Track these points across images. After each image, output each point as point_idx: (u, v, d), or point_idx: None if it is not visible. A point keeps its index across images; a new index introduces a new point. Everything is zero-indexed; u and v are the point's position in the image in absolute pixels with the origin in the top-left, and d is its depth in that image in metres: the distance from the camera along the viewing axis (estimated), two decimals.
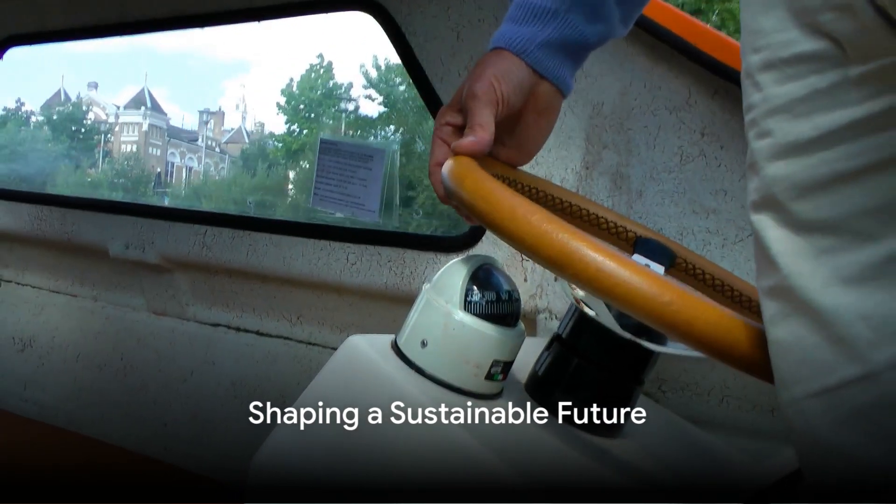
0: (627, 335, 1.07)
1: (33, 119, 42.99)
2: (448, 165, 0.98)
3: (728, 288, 1.20)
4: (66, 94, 44.94)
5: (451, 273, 1.03)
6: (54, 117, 41.84)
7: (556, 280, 1.73)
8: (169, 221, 2.47)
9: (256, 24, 2.33)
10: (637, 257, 1.15)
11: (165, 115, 47.00)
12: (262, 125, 47.55)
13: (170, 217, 2.49)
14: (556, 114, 1.11)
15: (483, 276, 1.03)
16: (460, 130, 1.06)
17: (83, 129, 42.09)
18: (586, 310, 1.09)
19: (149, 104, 46.02)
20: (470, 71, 1.05)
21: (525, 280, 1.77)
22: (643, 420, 1.23)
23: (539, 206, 0.85)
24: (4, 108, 42.62)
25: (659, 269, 1.14)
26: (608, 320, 1.07)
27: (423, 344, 1.01)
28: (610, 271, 0.77)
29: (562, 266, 0.80)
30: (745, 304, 1.19)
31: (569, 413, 1.10)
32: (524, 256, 1.76)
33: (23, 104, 43.51)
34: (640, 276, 0.77)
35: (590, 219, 1.21)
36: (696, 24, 1.57)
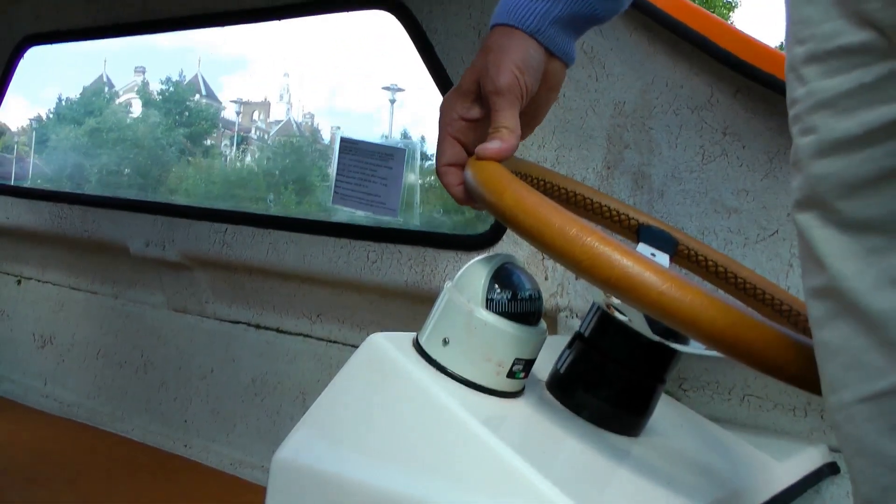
0: (656, 338, 1.07)
1: (117, 101, 37.95)
2: (477, 172, 0.96)
3: (732, 275, 1.21)
4: (108, 79, 40.27)
5: (473, 271, 1.02)
6: (155, 97, 36.55)
7: (577, 279, 1.72)
8: (189, 219, 2.48)
9: (255, 25, 2.34)
10: (642, 247, 1.15)
11: (220, 103, 42.02)
12: (312, 116, 43.21)
13: (190, 215, 2.50)
14: (561, 85, 1.06)
15: (505, 274, 1.03)
16: (474, 124, 1.02)
17: (187, 113, 36.16)
18: (619, 316, 1.08)
19: (203, 91, 40.73)
20: (481, 52, 1.00)
21: (546, 278, 1.77)
22: (665, 418, 1.23)
23: (588, 223, 0.85)
24: (83, 87, 38.12)
25: (664, 258, 1.14)
26: (640, 325, 1.07)
27: (445, 342, 1.00)
28: (674, 296, 0.78)
29: (624, 290, 0.80)
30: (749, 291, 1.20)
31: (591, 411, 1.10)
32: (545, 255, 1.77)
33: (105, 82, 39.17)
34: (703, 299, 0.78)
35: (593, 208, 1.21)
36: (718, 21, 1.57)
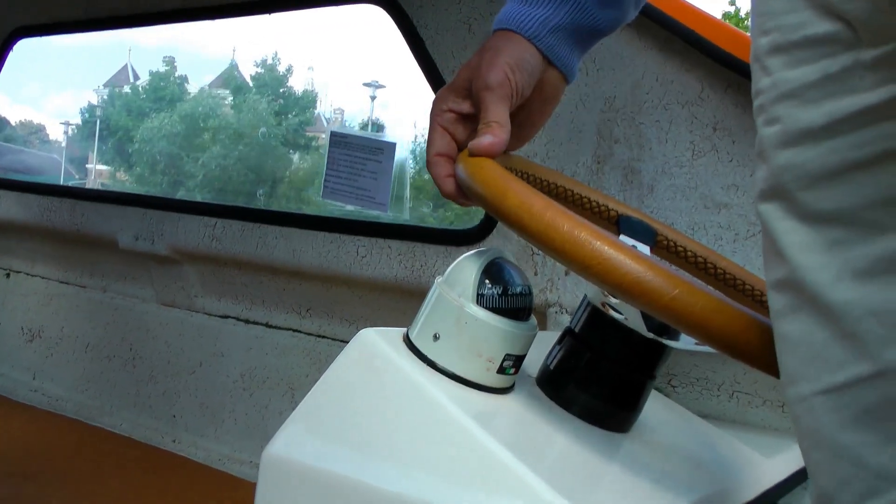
0: (650, 335, 1.06)
1: (187, 87, 33.57)
2: (469, 168, 0.95)
3: (711, 266, 1.21)
4: (133, 70, 37.10)
5: (464, 266, 1.02)
6: (250, 85, 31.94)
7: (566, 274, 1.72)
8: (178, 213, 2.47)
9: (238, 24, 2.31)
10: (624, 238, 1.14)
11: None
12: (342, 112, 39.27)
13: (179, 209, 2.49)
14: (558, 100, 1.06)
15: (495, 269, 1.02)
16: (464, 118, 1.02)
17: (281, 101, 31.49)
18: (614, 315, 1.08)
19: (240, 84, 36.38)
20: (478, 52, 1.00)
21: (535, 274, 1.77)
22: (654, 415, 1.23)
23: (591, 224, 0.85)
24: (151, 72, 33.49)
25: (645, 248, 1.14)
26: (636, 323, 1.07)
27: (436, 337, 1.00)
28: (702, 312, 0.79)
29: (635, 295, 0.81)
30: (729, 282, 1.20)
31: (580, 407, 1.10)
32: (535, 250, 1.76)
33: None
34: (719, 308, 0.80)
35: (574, 199, 1.21)
36: (709, 17, 1.57)
